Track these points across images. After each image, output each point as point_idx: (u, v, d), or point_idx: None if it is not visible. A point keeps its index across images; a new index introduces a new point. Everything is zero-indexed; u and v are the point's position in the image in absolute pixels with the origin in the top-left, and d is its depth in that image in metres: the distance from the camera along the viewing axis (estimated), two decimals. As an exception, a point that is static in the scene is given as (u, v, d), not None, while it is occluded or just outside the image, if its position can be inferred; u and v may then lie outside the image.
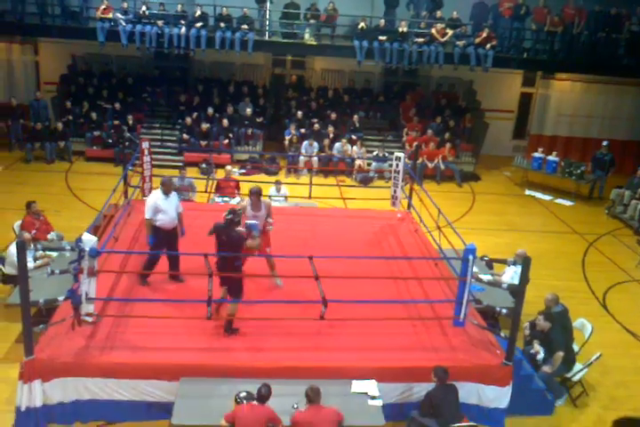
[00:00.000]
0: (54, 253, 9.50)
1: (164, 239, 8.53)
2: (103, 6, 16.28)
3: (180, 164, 15.81)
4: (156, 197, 8.49)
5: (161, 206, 8.40)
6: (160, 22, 16.32)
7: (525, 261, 7.04)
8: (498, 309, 7.61)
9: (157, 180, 12.05)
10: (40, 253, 9.45)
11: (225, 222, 7.35)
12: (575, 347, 8.30)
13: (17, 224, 10.33)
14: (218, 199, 12.91)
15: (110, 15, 16.28)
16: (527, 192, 17.06)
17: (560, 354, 7.78)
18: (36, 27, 16.94)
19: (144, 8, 16.56)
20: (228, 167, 13.62)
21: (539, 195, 16.87)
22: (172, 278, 8.69)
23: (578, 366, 8.09)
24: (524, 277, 7.03)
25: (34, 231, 9.92)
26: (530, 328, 8.30)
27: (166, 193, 8.52)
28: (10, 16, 16.77)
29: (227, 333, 7.44)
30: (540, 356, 7.94)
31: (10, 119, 17.18)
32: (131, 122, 17.25)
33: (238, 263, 7.43)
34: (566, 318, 8.36)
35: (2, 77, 19.08)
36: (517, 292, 7.25)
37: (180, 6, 16.78)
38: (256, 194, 8.47)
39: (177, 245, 8.70)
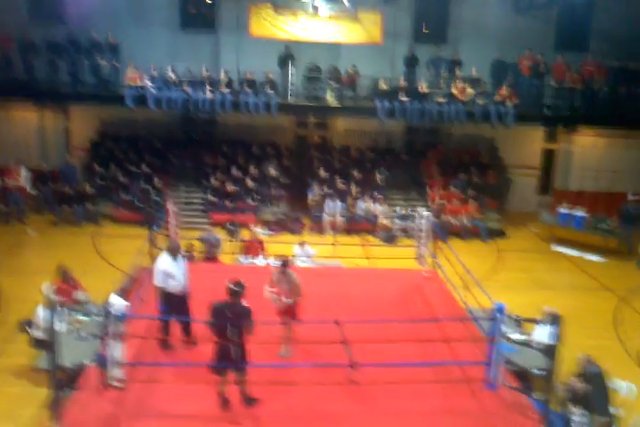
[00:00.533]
0: (82, 317, 9.51)
1: (175, 303, 8.39)
2: (132, 73, 16.88)
3: (206, 225, 15.98)
4: (164, 262, 8.34)
5: (170, 271, 8.27)
6: (186, 87, 16.83)
7: (557, 321, 6.91)
8: (531, 370, 7.42)
9: (184, 241, 12.31)
10: (68, 316, 9.48)
11: (229, 297, 7.04)
12: (612, 409, 8.01)
13: (45, 287, 10.39)
14: (243, 259, 12.96)
15: (138, 82, 16.85)
16: (554, 248, 16.89)
17: (597, 417, 7.51)
18: (69, 94, 17.57)
19: (171, 73, 17.12)
20: (253, 227, 13.73)
21: (566, 250, 16.68)
22: (185, 343, 8.51)
23: (616, 429, 7.80)
24: (558, 337, 6.88)
25: (62, 297, 9.96)
26: (565, 390, 8.05)
27: (174, 256, 8.39)
28: (44, 85, 17.44)
29: (247, 405, 7.20)
30: (577, 419, 7.67)
31: (40, 184, 17.64)
32: (157, 184, 17.58)
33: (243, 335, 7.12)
34: (602, 379, 8.09)
35: (34, 143, 19.70)
36: (550, 352, 7.08)
37: (205, 71, 17.32)
38: (282, 265, 8.36)
39: (187, 307, 8.52)
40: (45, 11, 18.77)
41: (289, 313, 8.39)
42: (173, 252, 8.43)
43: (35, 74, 17.45)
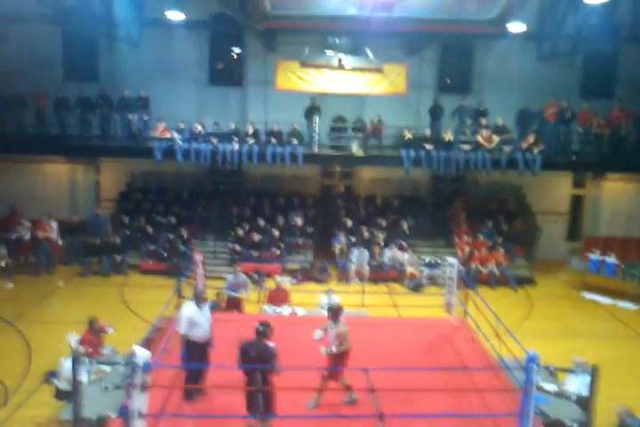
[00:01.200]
0: (108, 368, 9.44)
1: (198, 352, 8.36)
2: (161, 127, 17.28)
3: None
4: (190, 310, 8.39)
5: (195, 319, 8.31)
6: (214, 140, 17.14)
7: (593, 371, 6.68)
8: (566, 422, 7.15)
9: (211, 291, 12.28)
10: (94, 367, 9.42)
11: (256, 336, 7.04)
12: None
13: (72, 338, 10.37)
14: (269, 309, 12.88)
15: (167, 135, 17.22)
16: (586, 295, 16.51)
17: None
18: (99, 148, 18.00)
19: (199, 127, 17.48)
20: (278, 278, 13.70)
21: (598, 298, 16.28)
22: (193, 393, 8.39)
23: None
24: (593, 388, 6.64)
25: (88, 347, 9.92)
26: (603, 444, 7.72)
27: (199, 304, 8.45)
28: (76, 139, 17.90)
29: None
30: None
31: (70, 235, 17.88)
32: (185, 235, 17.70)
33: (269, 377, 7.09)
34: (642, 433, 7.76)
35: (65, 196, 20.08)
36: (586, 403, 6.83)
37: (233, 124, 17.65)
38: (332, 311, 8.37)
39: (208, 356, 8.50)
40: (79, 69, 19.49)
41: (330, 362, 8.27)
42: (199, 300, 8.49)
43: (67, 129, 17.95)
